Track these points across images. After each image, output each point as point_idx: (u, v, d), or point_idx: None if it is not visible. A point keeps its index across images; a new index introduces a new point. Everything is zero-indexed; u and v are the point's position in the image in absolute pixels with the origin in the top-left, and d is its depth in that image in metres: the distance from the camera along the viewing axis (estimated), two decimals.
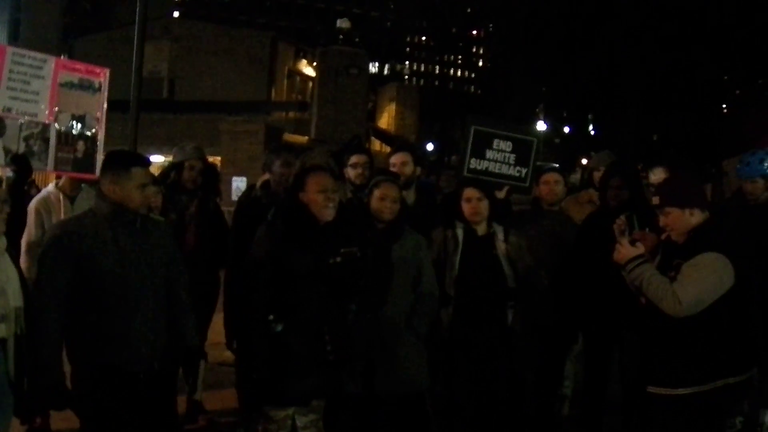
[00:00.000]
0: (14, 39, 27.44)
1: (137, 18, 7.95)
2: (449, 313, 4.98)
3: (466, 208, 5.07)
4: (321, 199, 4.20)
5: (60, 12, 36.27)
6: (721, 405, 4.00)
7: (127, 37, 10.22)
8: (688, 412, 3.99)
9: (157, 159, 27.35)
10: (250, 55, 34.83)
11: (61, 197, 5.72)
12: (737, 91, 42.95)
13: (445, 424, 5.11)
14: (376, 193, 4.78)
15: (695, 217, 4.08)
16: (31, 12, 33.14)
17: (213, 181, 6.31)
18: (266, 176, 5.76)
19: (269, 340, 4.13)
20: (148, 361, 3.92)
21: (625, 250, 4.14)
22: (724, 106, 43.70)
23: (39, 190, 5.94)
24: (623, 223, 4.40)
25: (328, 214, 4.23)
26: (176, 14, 39.89)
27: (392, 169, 5.70)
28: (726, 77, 41.15)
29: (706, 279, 3.92)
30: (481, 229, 5.10)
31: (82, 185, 5.79)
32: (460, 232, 5.09)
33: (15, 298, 3.60)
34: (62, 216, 5.46)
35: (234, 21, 40.26)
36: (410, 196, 5.67)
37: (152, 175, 4.17)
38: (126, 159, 4.10)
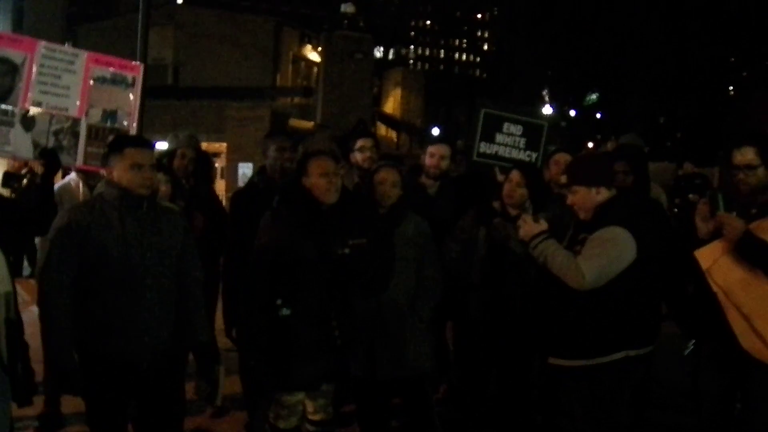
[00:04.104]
0: (18, 27, 27.32)
1: (141, 5, 7.95)
2: (475, 298, 4.91)
3: (506, 188, 4.95)
4: (323, 182, 4.18)
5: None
6: (621, 376, 4.01)
7: (131, 24, 10.18)
8: (589, 383, 4.03)
9: (163, 145, 27.42)
10: (254, 41, 34.69)
11: (81, 184, 5.82)
12: (744, 73, 42.75)
13: (453, 411, 5.11)
14: (376, 177, 4.76)
15: (601, 194, 4.10)
16: (34, 0, 33.04)
17: (205, 169, 6.30)
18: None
19: (275, 326, 4.12)
20: (150, 353, 3.85)
21: (528, 227, 4.13)
22: (730, 87, 43.51)
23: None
24: (706, 203, 4.02)
25: (331, 196, 4.21)
26: (180, 0, 39.73)
27: (430, 159, 5.63)
28: (732, 58, 40.97)
29: (608, 252, 3.93)
30: (514, 213, 4.92)
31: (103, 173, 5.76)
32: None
33: (3, 283, 3.56)
34: None
35: (238, 6, 40.03)
36: (434, 185, 5.65)
37: (154, 158, 4.06)
38: (120, 140, 4.10)
